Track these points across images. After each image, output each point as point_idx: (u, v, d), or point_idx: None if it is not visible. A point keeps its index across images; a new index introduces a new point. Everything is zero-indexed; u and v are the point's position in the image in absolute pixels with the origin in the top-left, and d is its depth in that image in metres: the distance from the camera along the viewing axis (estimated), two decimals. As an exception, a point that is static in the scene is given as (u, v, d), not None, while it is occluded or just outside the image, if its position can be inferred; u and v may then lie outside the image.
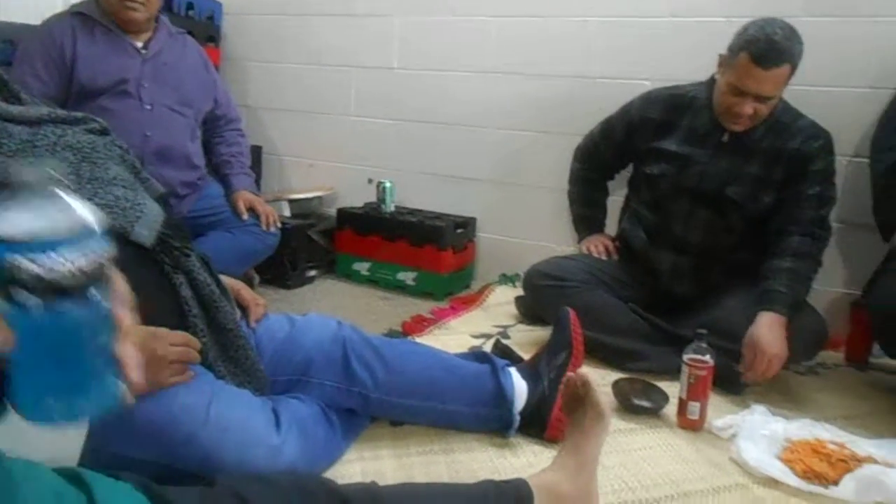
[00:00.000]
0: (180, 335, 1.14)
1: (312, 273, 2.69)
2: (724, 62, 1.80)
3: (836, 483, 1.31)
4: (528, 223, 2.59)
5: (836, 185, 1.86)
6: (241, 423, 1.12)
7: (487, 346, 1.87)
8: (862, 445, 1.46)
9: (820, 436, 1.49)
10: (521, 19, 2.49)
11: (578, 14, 2.40)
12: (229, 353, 1.25)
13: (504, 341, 1.90)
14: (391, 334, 2.05)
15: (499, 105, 2.58)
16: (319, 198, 2.91)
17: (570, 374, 1.37)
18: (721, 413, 1.59)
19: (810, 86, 2.02)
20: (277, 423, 1.18)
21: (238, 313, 1.36)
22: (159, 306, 1.16)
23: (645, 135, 1.99)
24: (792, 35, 1.70)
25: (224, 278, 1.37)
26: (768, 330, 1.67)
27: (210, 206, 2.27)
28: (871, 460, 1.39)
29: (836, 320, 2.06)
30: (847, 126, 2.03)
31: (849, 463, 1.37)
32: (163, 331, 1.12)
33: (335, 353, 1.38)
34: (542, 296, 1.99)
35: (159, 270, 1.18)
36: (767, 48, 1.68)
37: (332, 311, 2.23)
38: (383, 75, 2.78)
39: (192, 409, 1.08)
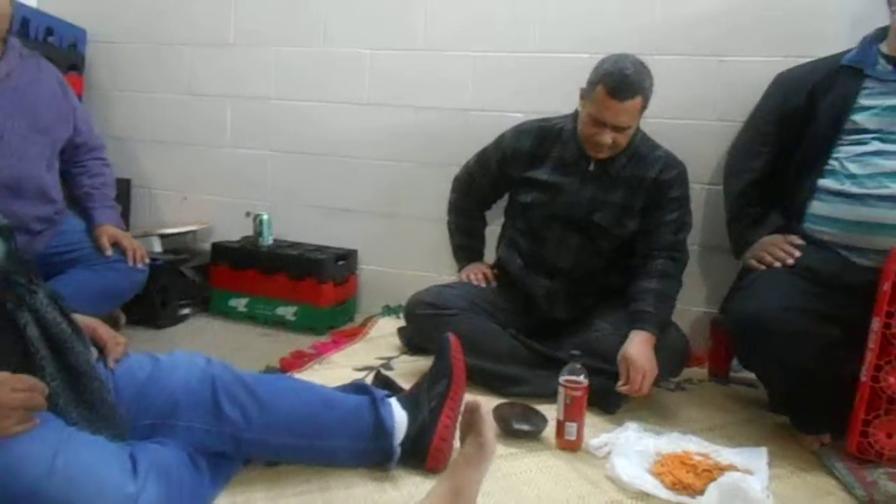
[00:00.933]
0: (24, 379, 1.04)
1: (185, 311, 2.56)
2: (584, 95, 1.91)
3: (702, 493, 1.37)
4: (410, 254, 2.60)
5: (691, 211, 2.00)
6: (91, 473, 1.03)
7: (370, 379, 1.84)
8: (724, 455, 1.55)
9: (687, 448, 1.56)
10: (398, 52, 2.53)
11: (453, 48, 2.46)
12: (83, 397, 1.16)
13: (387, 373, 1.88)
14: (268, 371, 1.98)
15: (378, 136, 2.59)
16: (193, 232, 2.79)
17: (468, 400, 1.39)
18: (597, 432, 1.64)
19: (667, 118, 2.17)
20: (135, 470, 1.10)
21: (94, 354, 1.27)
22: (1, 348, 1.06)
23: (518, 165, 2.06)
24: (643, 69, 1.83)
25: (79, 317, 1.27)
26: (640, 347, 1.75)
27: (69, 242, 2.11)
28: (732, 468, 1.47)
29: (699, 337, 2.20)
30: (701, 156, 2.19)
31: (713, 472, 1.44)
32: (4, 375, 1.02)
33: (203, 392, 1.31)
34: (422, 325, 1.99)
35: (0, 309, 1.08)
36: (621, 82, 1.79)
37: (206, 349, 2.09)
38: (260, 105, 2.72)
39: (34, 460, 0.99)
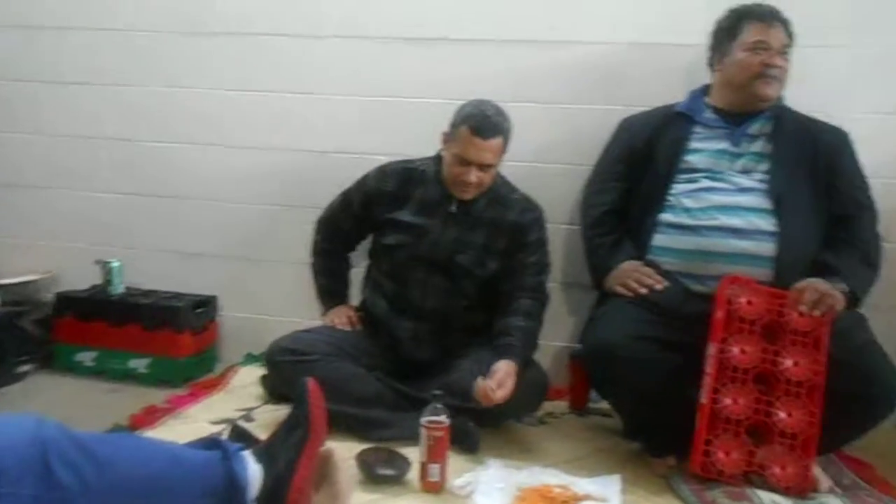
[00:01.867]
0: None
1: (24, 368, 2.34)
2: (448, 138, 1.96)
3: (560, 524, 1.40)
4: (273, 298, 2.52)
5: (549, 252, 2.08)
6: None
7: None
8: (581, 485, 1.59)
9: (547, 481, 1.60)
10: (259, 93, 2.49)
11: (315, 91, 2.46)
12: None
13: (247, 424, 1.80)
14: (115, 430, 1.83)
15: (238, 178, 2.52)
16: (34, 282, 2.57)
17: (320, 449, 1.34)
18: (460, 472, 1.64)
19: (523, 162, 2.26)
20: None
21: None
22: None
23: (381, 206, 2.07)
24: (502, 112, 1.93)
25: None
26: (504, 368, 1.80)
27: None
28: (588, 498, 1.52)
29: (560, 371, 2.26)
30: (556, 197, 2.28)
31: (570, 503, 1.48)
32: None
33: (32, 456, 1.18)
34: (284, 372, 1.93)
35: None
36: (484, 121, 1.88)
37: (47, 410, 1.92)
38: (109, 147, 2.58)
39: None
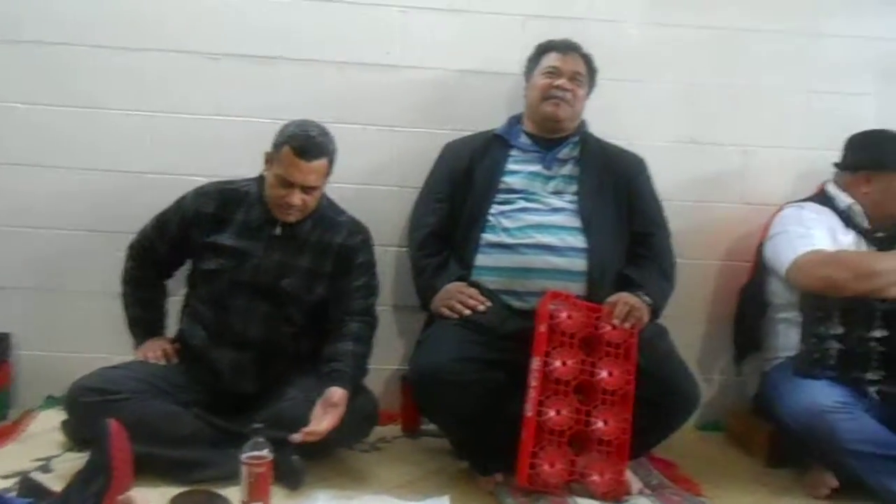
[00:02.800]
0: None
1: None
2: (271, 158, 1.89)
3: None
4: (78, 334, 2.28)
5: (378, 275, 2.06)
6: None
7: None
8: (410, 509, 1.57)
9: (376, 509, 1.56)
10: (60, 108, 2.26)
11: (126, 106, 2.28)
12: None
13: (42, 476, 1.60)
14: None
15: (36, 201, 2.27)
16: None
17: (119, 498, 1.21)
18: (286, 508, 1.56)
19: (350, 184, 2.24)
20: None
21: None
22: None
23: (200, 229, 1.95)
24: (326, 133, 1.89)
25: None
26: (334, 396, 1.74)
27: None
28: (418, 521, 1.50)
29: (392, 395, 2.25)
30: (385, 220, 2.28)
31: (398, 529, 1.45)
32: None
33: None
34: (87, 414, 1.74)
35: None
36: (307, 142, 1.83)
37: None
38: None
39: None
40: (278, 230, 1.94)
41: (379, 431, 2.06)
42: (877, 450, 1.77)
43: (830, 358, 1.93)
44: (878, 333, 1.92)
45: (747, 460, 2.11)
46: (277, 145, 1.87)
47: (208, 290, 1.96)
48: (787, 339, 2.05)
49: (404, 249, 2.27)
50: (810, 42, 2.43)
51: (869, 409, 1.86)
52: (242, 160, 2.06)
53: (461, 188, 2.07)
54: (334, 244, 1.97)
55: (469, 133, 2.21)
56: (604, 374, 1.74)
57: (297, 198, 1.86)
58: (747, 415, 2.22)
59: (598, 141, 2.14)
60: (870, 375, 1.92)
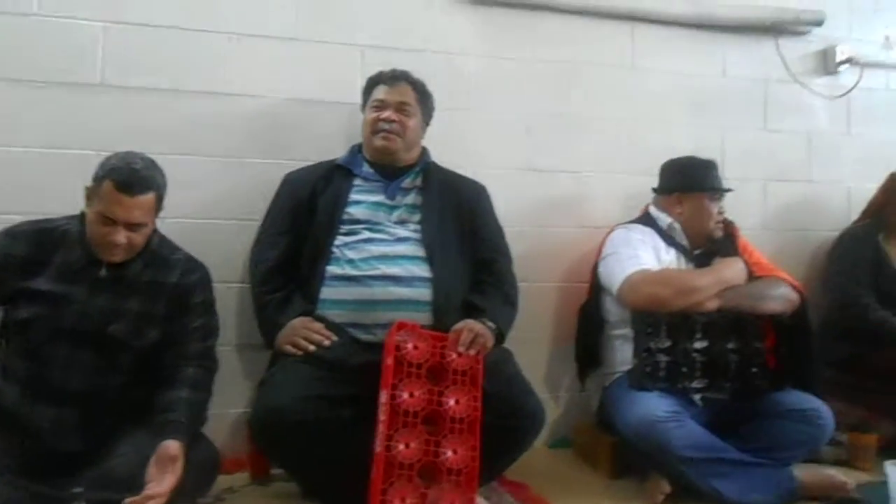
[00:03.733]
0: None
1: None
2: (91, 193, 1.75)
3: None
4: None
5: (217, 314, 1.95)
6: None
7: None
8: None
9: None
10: None
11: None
12: None
13: None
14: None
15: None
16: None
17: None
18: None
19: (188, 219, 2.13)
20: None
21: None
22: None
23: (11, 275, 1.75)
24: (153, 166, 1.77)
25: None
26: (173, 448, 1.61)
27: None
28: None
29: (239, 440, 2.13)
30: (226, 255, 2.18)
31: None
32: None
33: None
34: None
35: None
36: (130, 176, 1.70)
37: None
38: None
39: None
40: (104, 272, 1.78)
41: (225, 481, 1.94)
42: (703, 454, 1.91)
43: (660, 370, 2.07)
44: (699, 345, 2.09)
45: (593, 474, 2.20)
46: (98, 179, 1.72)
47: (23, 341, 1.76)
48: (622, 354, 2.17)
49: (248, 286, 2.17)
50: (631, 76, 2.63)
51: (695, 416, 2.01)
52: (64, 196, 1.89)
53: (304, 220, 2.03)
54: (168, 284, 1.85)
55: (310, 163, 2.17)
56: (451, 402, 1.75)
57: (121, 236, 1.72)
58: (592, 429, 2.32)
59: (440, 169, 2.18)
60: (695, 384, 2.08)
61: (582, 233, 2.51)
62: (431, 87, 2.20)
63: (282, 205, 2.09)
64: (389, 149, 2.06)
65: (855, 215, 2.75)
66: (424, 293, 1.92)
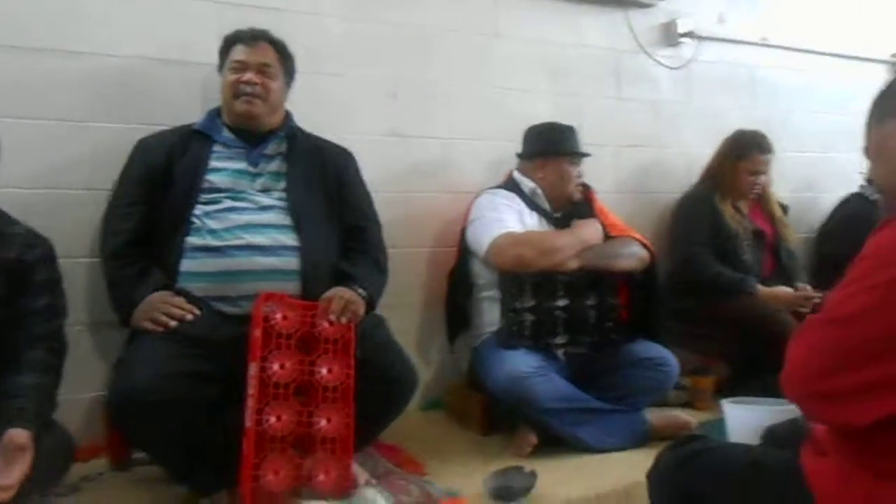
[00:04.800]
0: None
1: None
2: None
3: None
4: None
5: (65, 292, 1.80)
6: None
7: None
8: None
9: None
10: None
11: None
12: None
13: None
14: None
15: None
16: None
17: None
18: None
19: (26, 188, 1.95)
20: None
21: None
22: None
23: None
24: None
25: None
26: (22, 437, 1.47)
27: None
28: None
29: (96, 425, 2.00)
30: (73, 228, 2.01)
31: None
32: None
33: None
34: None
35: None
36: None
37: None
38: None
39: None
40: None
41: (81, 469, 1.82)
42: (567, 405, 2.03)
43: (526, 329, 2.16)
44: (561, 303, 2.20)
45: (465, 432, 2.27)
46: None
47: None
48: (490, 315, 2.24)
49: (98, 260, 2.02)
50: (492, 42, 2.67)
51: (559, 370, 2.13)
52: None
53: (159, 189, 1.90)
54: (8, 261, 1.67)
55: (165, 128, 2.03)
56: (323, 371, 1.73)
57: None
58: (463, 389, 2.39)
59: (306, 135, 2.10)
60: (558, 340, 2.20)
61: (449, 198, 2.54)
62: (293, 48, 2.12)
63: (134, 173, 1.95)
64: (252, 113, 1.96)
65: (696, 179, 2.98)
66: (292, 262, 1.87)
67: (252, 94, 1.95)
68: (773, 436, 1.49)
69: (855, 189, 3.17)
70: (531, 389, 1.99)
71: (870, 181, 2.94)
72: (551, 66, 2.79)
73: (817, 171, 3.43)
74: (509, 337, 2.13)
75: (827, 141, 3.42)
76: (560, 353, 2.20)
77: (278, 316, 1.74)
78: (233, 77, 1.96)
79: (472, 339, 2.32)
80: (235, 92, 1.95)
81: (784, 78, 3.34)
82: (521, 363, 2.04)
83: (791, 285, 2.72)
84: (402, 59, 2.52)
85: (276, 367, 1.70)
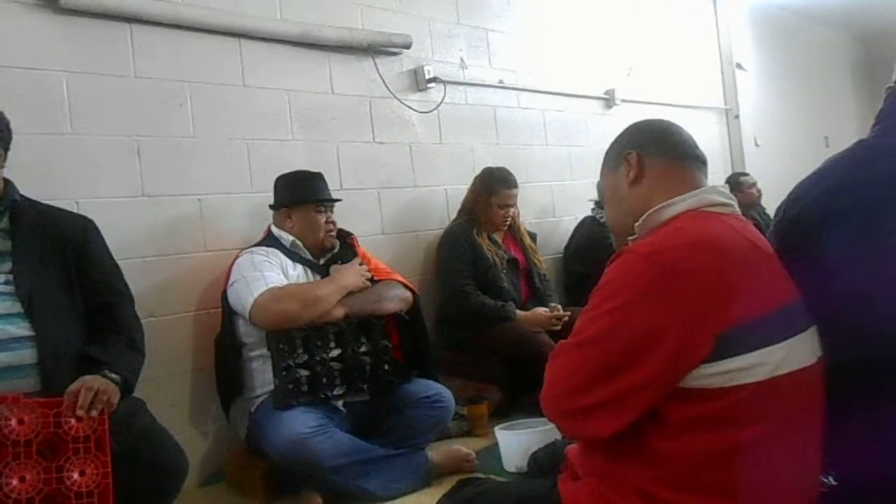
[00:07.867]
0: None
1: None
2: None
3: None
4: None
5: None
6: None
7: None
8: None
9: None
10: None
11: None
12: None
13: None
14: None
15: None
16: None
17: None
18: None
19: None
20: None
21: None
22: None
23: None
24: None
25: None
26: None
27: None
28: None
29: None
30: None
31: None
32: None
33: None
34: None
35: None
36: None
37: None
38: None
39: None
40: None
41: None
42: (350, 459, 2.02)
43: (302, 384, 2.12)
44: (334, 353, 2.20)
45: (247, 502, 2.16)
46: None
47: None
48: (263, 376, 2.17)
49: None
50: (240, 93, 2.60)
51: (340, 423, 2.12)
52: None
53: None
54: None
55: None
56: (75, 476, 1.53)
57: None
58: (243, 457, 2.26)
59: (33, 205, 1.84)
60: (336, 391, 2.18)
61: (209, 257, 2.43)
62: (17, 108, 1.89)
63: None
64: None
65: (453, 214, 3.16)
66: (26, 355, 1.64)
67: None
68: (537, 461, 1.61)
69: (588, 212, 3.59)
70: (312, 450, 1.95)
71: (601, 207, 3.33)
72: (305, 115, 2.78)
73: (556, 197, 3.81)
74: (285, 396, 2.07)
75: (561, 170, 3.84)
76: (339, 404, 2.19)
77: (13, 422, 1.51)
78: None
79: (248, 403, 2.23)
80: None
81: (520, 116, 3.67)
82: (299, 424, 1.99)
83: (546, 306, 2.97)
84: (143, 113, 2.35)
85: (14, 482, 1.48)
